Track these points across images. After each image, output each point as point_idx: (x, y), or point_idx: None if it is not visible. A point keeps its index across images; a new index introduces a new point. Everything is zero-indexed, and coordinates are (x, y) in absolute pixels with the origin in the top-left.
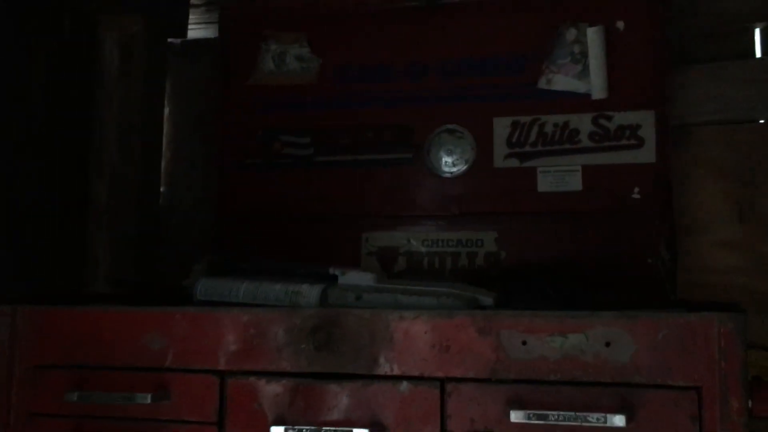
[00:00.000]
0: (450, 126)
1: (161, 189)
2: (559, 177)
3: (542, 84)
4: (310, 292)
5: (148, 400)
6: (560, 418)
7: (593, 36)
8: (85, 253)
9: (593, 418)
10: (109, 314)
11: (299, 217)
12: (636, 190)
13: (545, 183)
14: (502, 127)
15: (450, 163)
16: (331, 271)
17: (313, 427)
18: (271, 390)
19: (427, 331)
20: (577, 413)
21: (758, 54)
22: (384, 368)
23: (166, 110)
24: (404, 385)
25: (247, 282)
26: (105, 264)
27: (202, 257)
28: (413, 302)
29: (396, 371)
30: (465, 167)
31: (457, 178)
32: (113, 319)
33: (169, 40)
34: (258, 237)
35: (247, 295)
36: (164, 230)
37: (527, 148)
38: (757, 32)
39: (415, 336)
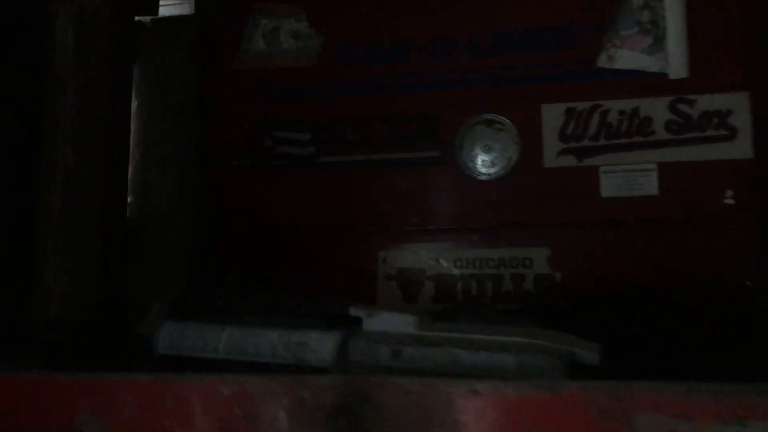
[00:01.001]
0: (487, 116)
1: (129, 198)
2: (629, 178)
3: (602, 61)
4: (323, 345)
5: None
6: None
7: None
8: (33, 280)
9: None
10: (27, 382)
11: (298, 232)
12: (728, 194)
13: (610, 186)
14: (553, 116)
15: (488, 163)
16: (352, 312)
17: None
18: None
19: (514, 413)
20: None
21: None
22: None
23: (135, 103)
24: None
25: (231, 328)
26: (58, 295)
27: (167, 290)
28: (481, 361)
29: None
30: (507, 167)
31: (497, 182)
32: (32, 392)
33: (137, 18)
34: (247, 256)
35: (231, 347)
36: (133, 248)
37: (586, 143)
38: None
39: (495, 421)
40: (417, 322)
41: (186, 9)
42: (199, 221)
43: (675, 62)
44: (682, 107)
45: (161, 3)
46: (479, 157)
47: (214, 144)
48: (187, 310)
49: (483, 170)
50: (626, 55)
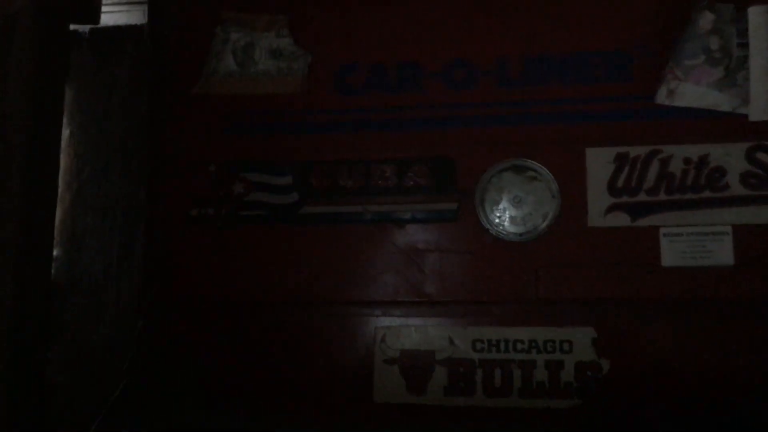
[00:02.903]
0: (517, 161)
1: (54, 252)
2: (697, 243)
3: (662, 97)
4: None
5: None
6: None
7: (757, 20)
8: None
9: None
10: None
11: (275, 304)
12: None
13: (674, 253)
14: (601, 162)
15: (518, 220)
16: None
17: None
18: None
19: None
20: None
21: None
22: None
23: (66, 131)
24: None
25: None
26: None
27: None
28: None
29: None
30: (542, 226)
31: (529, 244)
32: None
33: (73, 26)
34: (209, 335)
35: None
36: (58, 319)
37: (642, 197)
38: None
39: None
40: None
41: (137, 17)
42: (146, 291)
43: (757, 100)
44: (763, 156)
45: (104, 8)
46: (507, 212)
47: (169, 188)
48: None
49: (511, 229)
50: (691, 90)
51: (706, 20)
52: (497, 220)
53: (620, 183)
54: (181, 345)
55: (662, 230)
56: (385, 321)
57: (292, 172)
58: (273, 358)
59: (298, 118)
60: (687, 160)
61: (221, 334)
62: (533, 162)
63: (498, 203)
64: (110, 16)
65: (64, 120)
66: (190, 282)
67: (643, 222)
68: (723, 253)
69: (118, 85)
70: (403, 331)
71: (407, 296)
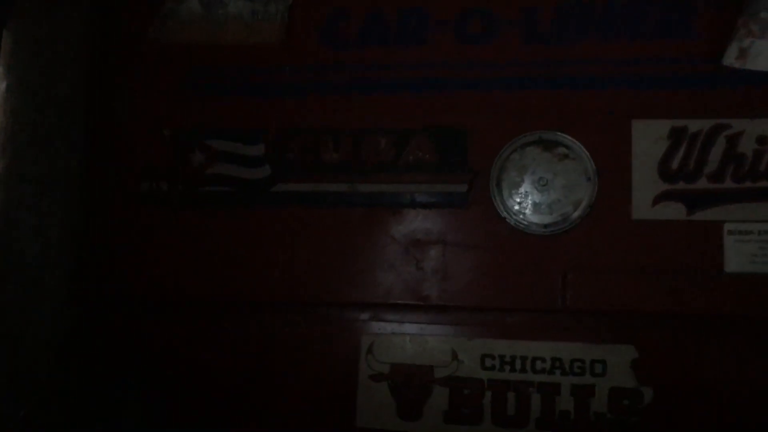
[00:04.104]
0: (544, 134)
1: None
2: None
3: (731, 57)
4: None
5: None
6: None
7: None
8: None
9: None
10: None
11: (239, 304)
12: None
13: (740, 256)
14: (651, 138)
15: (543, 208)
16: None
17: None
18: None
19: None
20: None
21: None
22: None
23: (2, 84)
24: None
25: None
26: None
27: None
28: None
29: None
30: (574, 217)
31: (556, 239)
32: None
33: None
34: (156, 340)
35: None
36: None
37: (702, 184)
38: None
39: None
40: None
41: None
42: (82, 279)
43: None
44: None
45: None
46: (530, 197)
47: (116, 158)
48: None
49: (535, 219)
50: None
51: None
52: (517, 207)
53: (675, 165)
54: (119, 351)
55: (727, 226)
56: (374, 327)
57: (265, 140)
58: (235, 371)
59: (274, 74)
60: (761, 139)
61: (172, 339)
62: (564, 135)
63: (519, 186)
64: None
65: (1, 71)
66: (136, 274)
67: (703, 215)
68: None
69: (65, 33)
70: (396, 340)
71: (402, 298)
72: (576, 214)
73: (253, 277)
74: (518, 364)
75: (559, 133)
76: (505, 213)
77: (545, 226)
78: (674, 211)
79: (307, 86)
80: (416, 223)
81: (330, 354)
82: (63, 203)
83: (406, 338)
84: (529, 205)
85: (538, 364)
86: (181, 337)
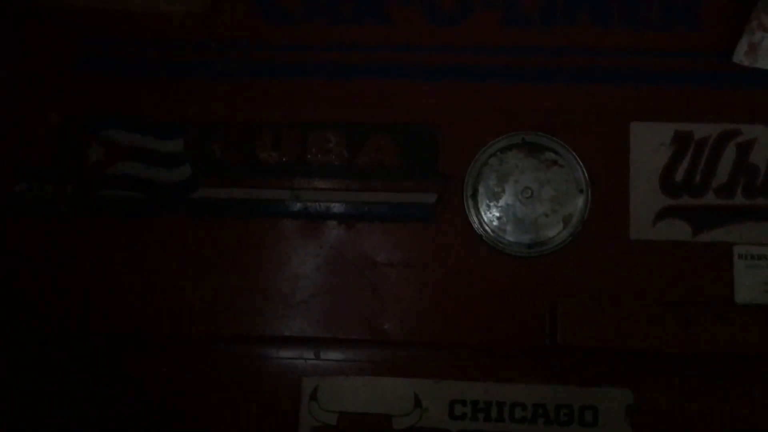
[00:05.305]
0: (528, 136)
1: None
2: None
3: (741, 54)
4: None
5: None
6: None
7: None
8: None
9: None
10: None
11: (147, 339)
12: None
13: (753, 283)
14: (651, 144)
15: (527, 224)
16: None
17: None
18: None
19: None
20: None
21: None
22: None
23: None
24: None
25: None
26: None
27: None
28: None
29: None
30: (562, 236)
31: (543, 262)
32: None
33: None
34: (34, 384)
35: None
36: None
37: (710, 199)
38: None
39: None
40: None
41: None
42: None
43: None
44: None
45: None
46: (511, 210)
47: None
48: None
49: (516, 238)
50: None
51: None
52: (496, 223)
53: (679, 176)
54: None
55: (737, 249)
56: (319, 368)
57: (184, 134)
58: (139, 424)
59: (197, 52)
60: None
61: (56, 383)
62: (553, 138)
63: (498, 197)
64: None
65: None
66: (10, 299)
67: (711, 236)
68: None
69: None
70: (346, 384)
71: (354, 332)
72: (565, 233)
73: (165, 304)
74: (494, 412)
75: (546, 136)
76: (481, 230)
77: (529, 246)
78: (678, 230)
79: (239, 68)
80: (373, 240)
81: (263, 401)
82: None
83: (358, 381)
84: (511, 221)
85: (518, 412)
86: (69, 380)
